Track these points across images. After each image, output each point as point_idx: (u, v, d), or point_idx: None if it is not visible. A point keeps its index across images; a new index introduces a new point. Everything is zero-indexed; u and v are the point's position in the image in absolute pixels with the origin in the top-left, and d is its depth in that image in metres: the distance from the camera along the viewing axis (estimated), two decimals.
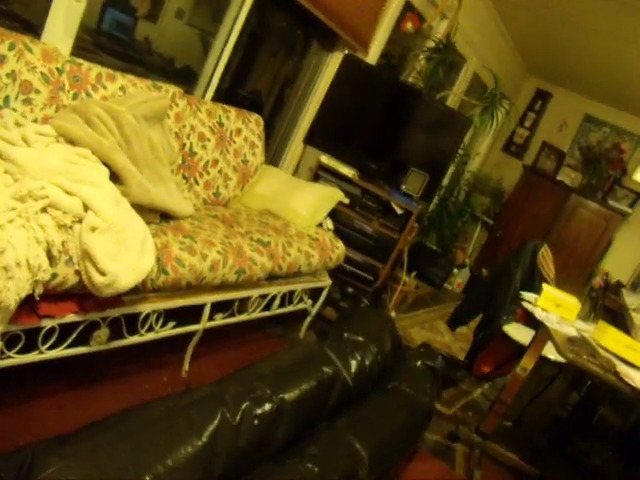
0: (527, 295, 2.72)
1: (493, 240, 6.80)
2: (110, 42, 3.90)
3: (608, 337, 2.32)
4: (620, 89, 5.88)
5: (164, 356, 2.48)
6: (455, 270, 6.05)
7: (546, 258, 3.77)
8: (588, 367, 2.13)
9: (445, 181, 6.46)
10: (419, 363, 2.76)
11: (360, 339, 2.39)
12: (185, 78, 4.35)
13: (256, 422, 1.67)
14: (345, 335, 2.37)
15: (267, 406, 1.73)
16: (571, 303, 2.64)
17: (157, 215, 2.35)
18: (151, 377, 2.34)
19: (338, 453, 1.84)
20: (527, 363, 2.80)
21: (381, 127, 3.74)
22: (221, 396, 1.66)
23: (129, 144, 2.17)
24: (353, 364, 2.24)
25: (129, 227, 1.86)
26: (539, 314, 2.50)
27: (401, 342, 2.81)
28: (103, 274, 1.70)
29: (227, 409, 1.62)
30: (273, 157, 4.13)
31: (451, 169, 6.48)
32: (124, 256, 1.79)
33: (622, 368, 2.16)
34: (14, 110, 2.06)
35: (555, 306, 2.61)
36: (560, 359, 3.58)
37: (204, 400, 1.63)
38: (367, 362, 2.32)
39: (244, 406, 1.67)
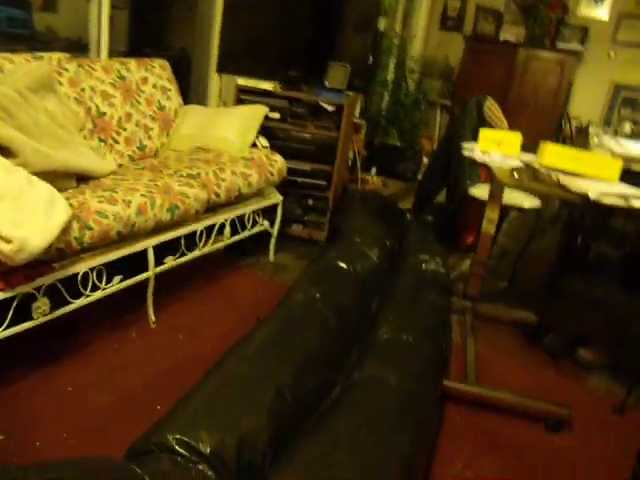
0: (466, 144, 2.65)
1: (455, 119, 6.66)
2: (6, 39, 3.81)
3: (549, 154, 2.25)
4: None
5: (127, 313, 2.47)
6: (425, 159, 5.96)
7: (493, 110, 3.68)
8: (531, 187, 2.09)
9: (390, 76, 6.31)
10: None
11: None
12: None
13: None
14: None
15: None
16: (512, 137, 2.58)
17: (73, 179, 2.30)
18: (119, 336, 2.32)
19: None
20: (491, 214, 2.72)
21: (289, 31, 3.60)
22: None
23: (11, 116, 2.09)
24: None
25: (27, 192, 1.81)
26: (479, 156, 2.44)
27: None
28: (9, 241, 1.66)
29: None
30: (200, 101, 4.02)
31: (392, 61, 6.32)
32: (28, 220, 1.74)
33: (566, 179, 2.11)
34: None
35: (496, 145, 2.54)
36: (535, 204, 3.56)
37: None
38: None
39: None
